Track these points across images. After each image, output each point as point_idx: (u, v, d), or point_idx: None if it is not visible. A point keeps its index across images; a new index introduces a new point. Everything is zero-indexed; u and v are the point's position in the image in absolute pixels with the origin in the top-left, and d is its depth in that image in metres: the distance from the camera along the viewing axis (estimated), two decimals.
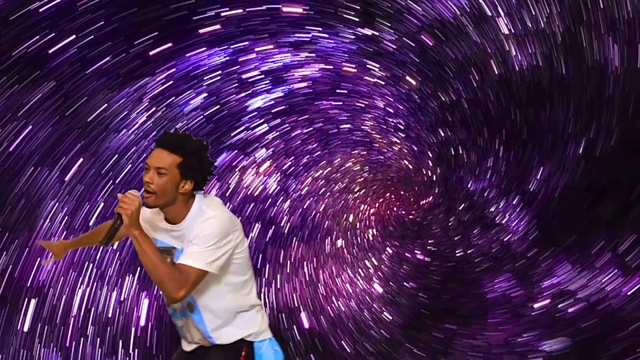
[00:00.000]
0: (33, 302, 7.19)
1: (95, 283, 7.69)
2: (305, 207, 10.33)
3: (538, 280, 8.89)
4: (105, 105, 7.52)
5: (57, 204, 7.34)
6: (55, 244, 3.97)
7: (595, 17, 7.64)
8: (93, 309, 7.65)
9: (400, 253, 10.98)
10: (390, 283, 10.60)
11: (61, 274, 7.44)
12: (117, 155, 7.73)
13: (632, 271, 7.98)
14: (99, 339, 7.65)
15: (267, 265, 9.62)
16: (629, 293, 8.00)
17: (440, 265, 10.39)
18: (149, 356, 7.98)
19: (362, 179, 11.12)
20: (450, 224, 10.41)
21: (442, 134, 9.67)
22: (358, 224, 11.27)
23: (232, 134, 8.84)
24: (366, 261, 10.94)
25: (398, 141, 10.36)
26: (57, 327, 7.37)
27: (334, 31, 8.50)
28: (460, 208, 10.22)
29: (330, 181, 10.64)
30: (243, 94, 8.66)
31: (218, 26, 7.92)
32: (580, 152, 8.35)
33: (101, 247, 7.62)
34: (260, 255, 9.56)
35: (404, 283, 10.54)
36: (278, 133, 9.30)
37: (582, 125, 8.24)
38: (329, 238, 10.70)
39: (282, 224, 9.96)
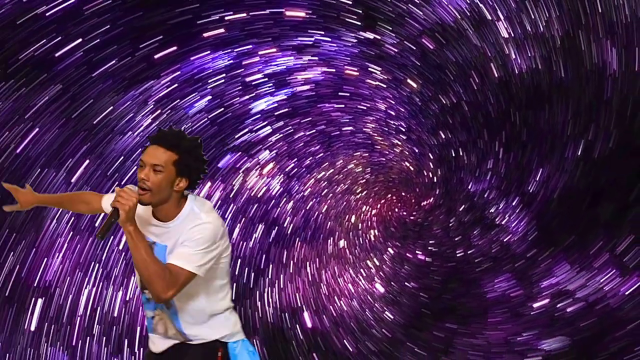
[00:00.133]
0: (40, 301, 7.24)
1: (101, 283, 7.71)
2: (308, 208, 10.29)
3: (537, 280, 8.89)
4: (111, 107, 7.56)
5: None
6: (22, 191, 3.91)
7: (593, 21, 7.66)
8: (99, 308, 7.67)
9: (402, 253, 10.92)
10: (392, 283, 10.55)
11: (67, 273, 7.47)
12: (122, 157, 7.76)
13: (630, 271, 8.00)
14: (104, 338, 7.67)
15: (271, 266, 9.59)
16: (626, 293, 8.03)
17: (441, 265, 10.35)
18: None
19: (364, 180, 11.05)
20: (450, 224, 10.37)
21: (443, 136, 9.66)
22: (360, 224, 11.21)
23: (235, 136, 8.85)
24: (368, 261, 10.88)
25: (399, 143, 10.33)
26: (63, 326, 7.40)
27: (337, 35, 8.50)
28: (460, 209, 10.19)
29: (333, 183, 10.59)
30: (247, 97, 8.67)
31: (222, 30, 7.96)
32: (579, 153, 8.37)
33: (107, 248, 7.75)
34: (264, 256, 9.56)
35: (405, 283, 10.50)
36: (281, 135, 9.29)
37: (580, 128, 8.26)
38: (332, 239, 10.65)
39: (285, 225, 9.93)
